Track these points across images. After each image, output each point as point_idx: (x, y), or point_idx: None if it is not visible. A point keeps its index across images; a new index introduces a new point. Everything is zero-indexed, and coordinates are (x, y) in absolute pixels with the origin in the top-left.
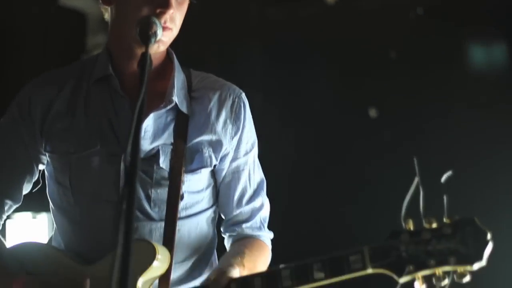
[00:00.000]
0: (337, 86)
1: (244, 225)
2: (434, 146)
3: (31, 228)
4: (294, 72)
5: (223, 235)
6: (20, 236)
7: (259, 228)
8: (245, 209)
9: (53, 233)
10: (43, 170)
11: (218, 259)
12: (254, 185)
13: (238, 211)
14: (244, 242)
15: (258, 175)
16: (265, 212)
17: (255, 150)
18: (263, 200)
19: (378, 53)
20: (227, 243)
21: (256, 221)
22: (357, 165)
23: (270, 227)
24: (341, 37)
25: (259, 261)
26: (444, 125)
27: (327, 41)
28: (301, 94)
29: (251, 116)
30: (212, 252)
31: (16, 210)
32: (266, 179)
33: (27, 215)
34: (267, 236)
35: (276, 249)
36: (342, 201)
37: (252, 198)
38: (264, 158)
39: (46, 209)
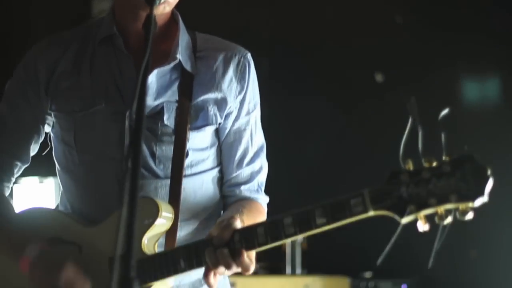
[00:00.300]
0: None
1: (242, 187)
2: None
3: (38, 193)
4: None
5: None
6: (27, 201)
7: (257, 191)
8: (245, 170)
9: (59, 197)
10: (50, 133)
11: None
12: (255, 147)
13: (238, 172)
14: (242, 203)
15: (259, 137)
16: (263, 176)
17: (258, 112)
18: (262, 163)
19: None
20: (224, 204)
21: (254, 184)
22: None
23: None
24: None
25: (257, 220)
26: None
27: None
28: None
29: (256, 77)
30: (219, 212)
31: (23, 175)
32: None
33: (34, 179)
34: (264, 199)
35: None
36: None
37: (252, 160)
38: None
39: (53, 174)
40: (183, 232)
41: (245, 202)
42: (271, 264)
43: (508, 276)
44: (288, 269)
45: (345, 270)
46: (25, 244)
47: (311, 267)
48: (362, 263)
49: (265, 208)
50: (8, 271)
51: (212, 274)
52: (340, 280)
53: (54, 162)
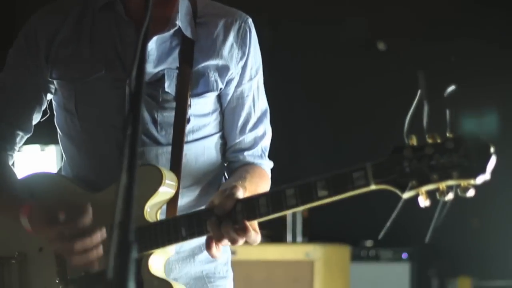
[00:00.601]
0: None
1: (246, 153)
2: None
3: (40, 161)
4: None
5: (224, 163)
6: (29, 169)
7: (260, 157)
8: (248, 136)
9: (62, 163)
10: (51, 100)
11: None
12: (258, 112)
13: (241, 138)
14: (246, 168)
15: (262, 102)
16: (267, 141)
17: (260, 76)
18: (266, 129)
19: None
20: (228, 170)
21: (258, 149)
22: (360, 84)
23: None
24: None
25: (260, 186)
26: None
27: None
28: None
29: (257, 42)
30: (221, 179)
31: (25, 143)
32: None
33: (35, 147)
34: (267, 164)
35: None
36: (346, 120)
37: (255, 125)
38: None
39: (55, 142)
40: (184, 199)
41: (249, 167)
42: (272, 232)
43: (509, 244)
44: (289, 237)
45: (346, 239)
46: (21, 201)
47: (312, 235)
48: (363, 232)
49: (269, 174)
50: (13, 234)
51: (214, 245)
52: (341, 249)
53: (56, 130)
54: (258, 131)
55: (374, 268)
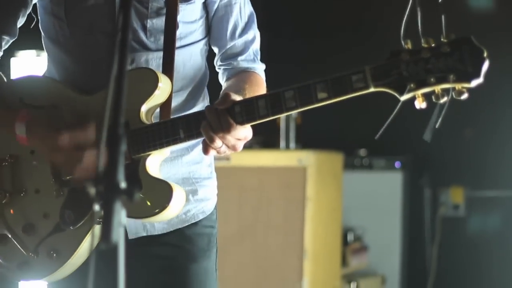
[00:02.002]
0: None
1: (239, 58)
2: None
3: (35, 66)
4: None
5: (217, 70)
6: (25, 74)
7: (253, 60)
8: (239, 41)
9: (46, 68)
10: (36, 5)
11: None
12: (245, 18)
13: (232, 44)
14: (242, 77)
15: (248, 8)
16: (257, 45)
17: None
18: (255, 33)
19: None
20: (222, 78)
21: (249, 53)
22: None
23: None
24: None
25: (259, 93)
26: None
27: None
28: None
29: None
30: (205, 83)
31: (20, 48)
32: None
33: (31, 53)
34: (261, 68)
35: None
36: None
37: (244, 31)
38: None
39: None
40: (173, 103)
41: (245, 76)
42: (265, 138)
43: (502, 154)
44: (282, 144)
45: (339, 147)
46: (14, 108)
47: (305, 142)
48: (356, 141)
49: (263, 77)
50: (4, 137)
51: (210, 149)
52: (334, 156)
53: None
54: (248, 36)
55: (367, 177)
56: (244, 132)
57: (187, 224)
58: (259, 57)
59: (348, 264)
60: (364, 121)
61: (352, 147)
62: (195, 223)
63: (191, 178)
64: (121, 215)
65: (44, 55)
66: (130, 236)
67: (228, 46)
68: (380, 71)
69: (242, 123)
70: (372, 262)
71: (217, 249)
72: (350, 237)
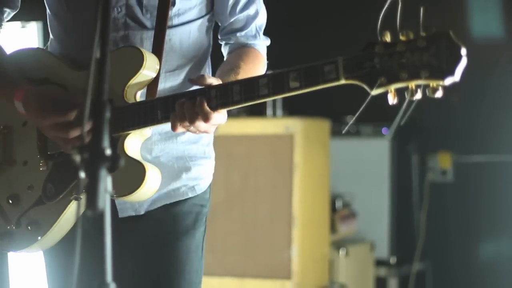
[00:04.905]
0: None
1: (238, 34)
2: None
3: (21, 38)
4: None
5: (220, 42)
6: (10, 46)
7: (254, 37)
8: (239, 17)
9: (49, 41)
10: None
11: (213, 68)
12: None
13: (232, 19)
14: (240, 54)
15: None
16: (261, 20)
17: None
18: (258, 8)
19: None
20: (224, 50)
21: (251, 29)
22: None
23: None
24: None
25: (254, 71)
26: None
27: None
28: None
29: None
30: (206, 62)
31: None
32: None
33: (16, 24)
34: (262, 44)
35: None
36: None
37: (246, 6)
38: None
39: (36, 18)
40: (168, 83)
41: (242, 52)
42: (252, 106)
43: (490, 119)
44: (269, 111)
45: (326, 114)
46: (15, 83)
47: (292, 109)
48: (343, 107)
49: (262, 53)
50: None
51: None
52: (321, 123)
53: (37, 6)
54: (250, 11)
55: (354, 144)
56: (217, 119)
57: (174, 201)
58: (262, 32)
59: (337, 230)
60: (351, 88)
61: (339, 114)
62: (184, 200)
63: (185, 157)
64: (106, 182)
65: (29, 26)
66: (121, 215)
67: (229, 21)
68: (353, 63)
69: (215, 108)
70: (360, 228)
71: (206, 228)
72: (338, 203)
